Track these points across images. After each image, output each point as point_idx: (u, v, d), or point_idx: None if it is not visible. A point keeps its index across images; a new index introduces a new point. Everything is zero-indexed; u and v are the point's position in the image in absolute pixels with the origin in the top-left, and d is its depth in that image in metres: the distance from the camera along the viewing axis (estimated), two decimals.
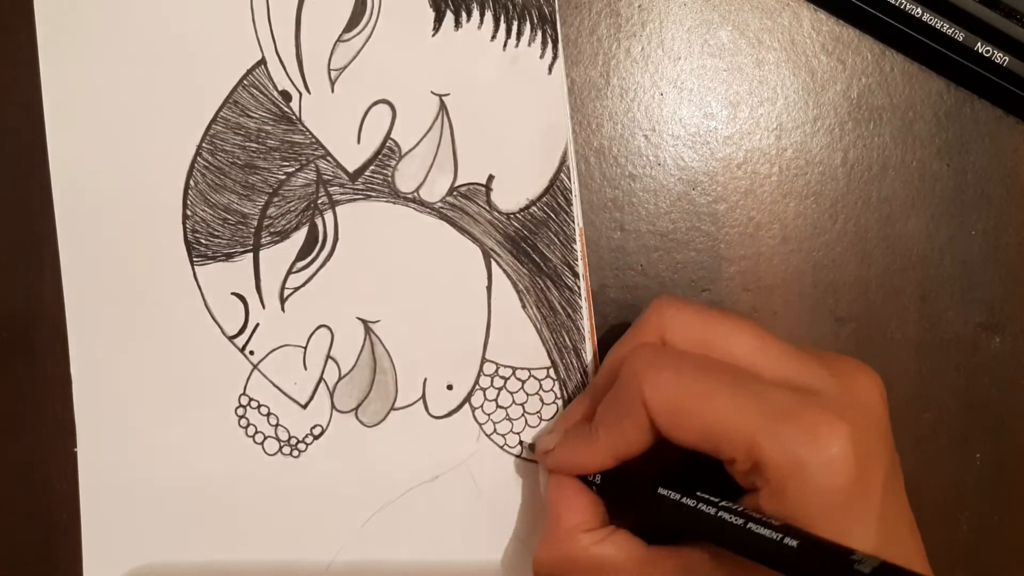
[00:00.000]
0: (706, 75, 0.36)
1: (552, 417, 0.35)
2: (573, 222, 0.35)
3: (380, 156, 0.35)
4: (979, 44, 0.34)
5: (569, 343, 0.35)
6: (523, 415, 0.35)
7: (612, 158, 0.36)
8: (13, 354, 0.36)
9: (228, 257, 0.35)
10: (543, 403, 0.35)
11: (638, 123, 0.36)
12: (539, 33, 0.35)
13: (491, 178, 0.35)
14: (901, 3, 0.34)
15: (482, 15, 0.35)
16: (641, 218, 0.36)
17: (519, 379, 0.35)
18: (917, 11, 0.34)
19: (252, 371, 0.35)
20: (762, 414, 0.27)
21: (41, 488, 0.36)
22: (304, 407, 0.35)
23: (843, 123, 0.36)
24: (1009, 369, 0.36)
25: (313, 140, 0.35)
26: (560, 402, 0.35)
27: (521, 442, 0.35)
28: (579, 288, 0.35)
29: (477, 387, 0.35)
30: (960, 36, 0.34)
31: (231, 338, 0.35)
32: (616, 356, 0.32)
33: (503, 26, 0.35)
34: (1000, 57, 0.34)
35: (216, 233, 0.35)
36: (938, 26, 0.35)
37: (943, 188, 0.36)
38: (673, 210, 0.36)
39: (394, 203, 0.35)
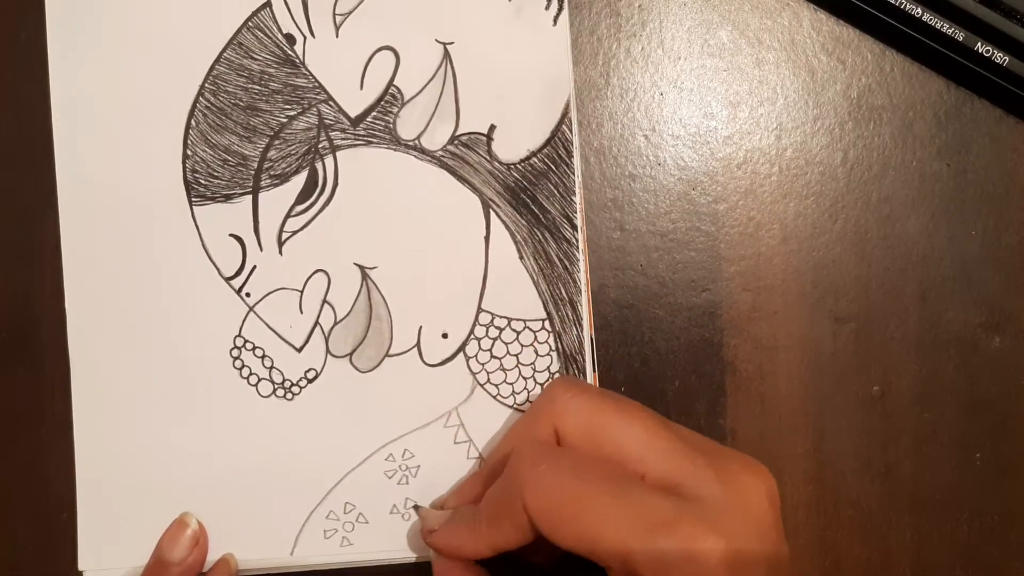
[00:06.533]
0: (706, 75, 0.36)
1: (545, 370, 0.35)
2: (573, 174, 0.35)
3: (382, 102, 0.35)
4: (979, 44, 0.34)
5: (565, 295, 0.35)
6: (517, 366, 0.35)
7: (612, 158, 0.36)
8: (13, 354, 0.36)
9: (227, 198, 0.35)
10: (537, 354, 0.35)
11: (638, 123, 0.36)
12: None
13: (492, 128, 0.35)
14: (901, 3, 0.34)
15: None
16: (641, 218, 0.36)
17: (514, 330, 0.35)
18: (917, 11, 0.34)
19: (248, 313, 0.35)
20: (638, 525, 0.27)
21: (41, 488, 0.36)
22: (299, 351, 0.35)
23: (843, 123, 0.36)
24: (1009, 369, 0.36)
25: (316, 84, 0.35)
26: (555, 354, 0.35)
27: (514, 395, 0.35)
28: (577, 240, 0.35)
29: (472, 336, 0.35)
30: (960, 36, 0.34)
31: (228, 279, 0.35)
32: (511, 439, 0.32)
33: None
34: (1000, 57, 0.34)
35: (216, 174, 0.35)
36: (938, 26, 0.35)
37: (943, 188, 0.36)
38: (673, 210, 0.36)
39: (395, 150, 0.35)
